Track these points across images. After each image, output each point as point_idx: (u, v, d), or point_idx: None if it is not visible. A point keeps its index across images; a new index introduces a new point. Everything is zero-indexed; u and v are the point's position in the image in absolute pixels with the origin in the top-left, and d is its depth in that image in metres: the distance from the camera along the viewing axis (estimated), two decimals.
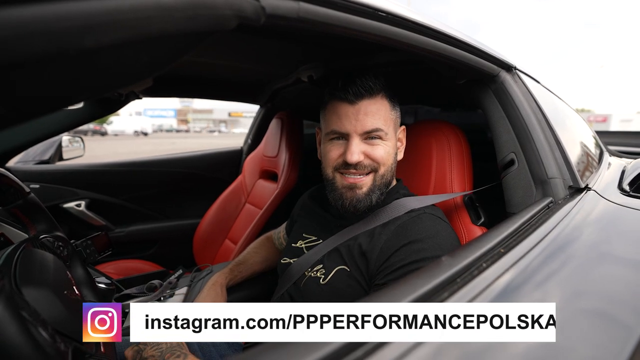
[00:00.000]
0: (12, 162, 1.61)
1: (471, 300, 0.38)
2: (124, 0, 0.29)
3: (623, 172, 1.04)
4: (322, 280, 0.77)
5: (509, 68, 0.87)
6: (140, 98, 1.65)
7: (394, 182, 0.87)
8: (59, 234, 0.78)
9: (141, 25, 0.28)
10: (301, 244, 0.89)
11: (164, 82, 1.49)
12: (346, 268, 0.75)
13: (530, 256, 0.49)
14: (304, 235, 0.90)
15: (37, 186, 1.60)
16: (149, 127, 39.01)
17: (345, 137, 0.77)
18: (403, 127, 0.86)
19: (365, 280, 0.73)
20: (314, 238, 0.87)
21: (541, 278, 0.47)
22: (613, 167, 1.15)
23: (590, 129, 1.56)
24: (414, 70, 0.99)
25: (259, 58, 1.23)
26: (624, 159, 1.35)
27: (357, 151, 0.74)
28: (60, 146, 1.82)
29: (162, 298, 1.06)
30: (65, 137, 1.84)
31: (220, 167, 2.12)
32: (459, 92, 1.02)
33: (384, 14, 0.51)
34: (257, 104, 2.01)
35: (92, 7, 0.27)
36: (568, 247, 0.55)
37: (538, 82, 1.05)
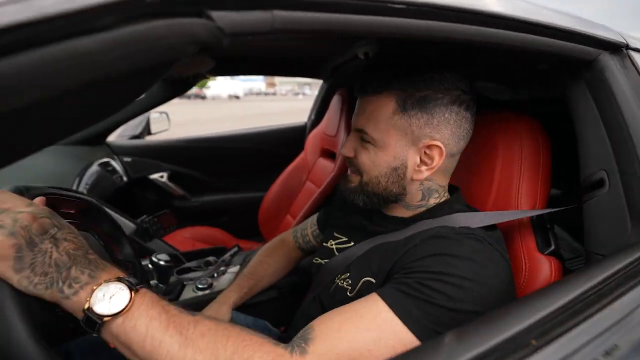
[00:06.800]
0: (111, 137, 1.88)
1: None
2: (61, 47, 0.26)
3: None
4: (350, 292, 0.73)
5: (615, 48, 0.62)
6: (208, 78, 1.72)
7: (446, 195, 0.72)
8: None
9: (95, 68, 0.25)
10: (332, 244, 0.84)
11: (227, 62, 1.51)
12: (372, 280, 0.69)
13: None
14: (334, 234, 0.85)
15: (130, 160, 1.85)
16: (240, 91, 41.89)
17: None
18: (439, 144, 0.64)
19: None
20: (344, 239, 0.82)
21: None
22: None
23: None
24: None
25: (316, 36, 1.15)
26: None
27: (347, 145, 0.71)
28: (148, 121, 2.05)
29: (215, 275, 1.16)
30: (153, 114, 2.06)
31: (285, 143, 2.15)
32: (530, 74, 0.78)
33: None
34: (321, 79, 1.93)
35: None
36: None
37: None
